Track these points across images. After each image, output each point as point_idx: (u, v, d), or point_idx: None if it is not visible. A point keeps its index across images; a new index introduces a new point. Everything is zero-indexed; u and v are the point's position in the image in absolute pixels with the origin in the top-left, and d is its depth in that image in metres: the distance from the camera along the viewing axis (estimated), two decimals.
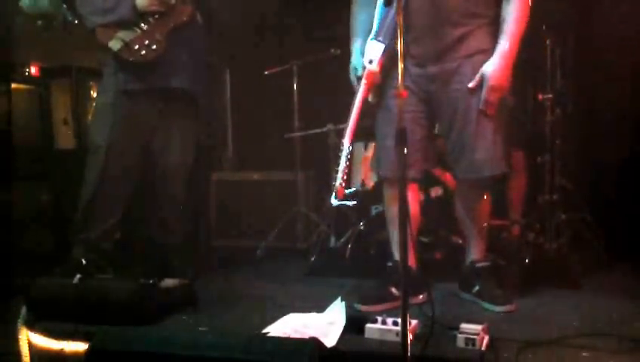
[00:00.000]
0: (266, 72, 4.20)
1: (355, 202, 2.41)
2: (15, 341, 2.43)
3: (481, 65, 2.58)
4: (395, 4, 2.31)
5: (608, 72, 3.91)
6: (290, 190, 4.22)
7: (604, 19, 3.93)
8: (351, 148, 2.40)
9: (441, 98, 2.64)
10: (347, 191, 2.37)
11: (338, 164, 2.38)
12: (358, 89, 2.59)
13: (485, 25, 2.61)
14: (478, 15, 2.58)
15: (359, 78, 2.59)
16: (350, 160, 2.40)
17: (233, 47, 4.51)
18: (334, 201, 2.36)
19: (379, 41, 2.50)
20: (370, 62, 2.53)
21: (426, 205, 3.49)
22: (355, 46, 2.72)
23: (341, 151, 2.40)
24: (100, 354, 1.99)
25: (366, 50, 2.55)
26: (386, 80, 2.66)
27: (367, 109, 2.80)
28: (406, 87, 2.59)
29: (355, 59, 2.68)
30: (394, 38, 2.49)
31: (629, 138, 3.79)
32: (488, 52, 2.60)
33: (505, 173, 2.71)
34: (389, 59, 2.59)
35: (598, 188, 3.81)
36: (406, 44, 2.57)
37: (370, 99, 2.67)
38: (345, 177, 2.36)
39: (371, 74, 2.55)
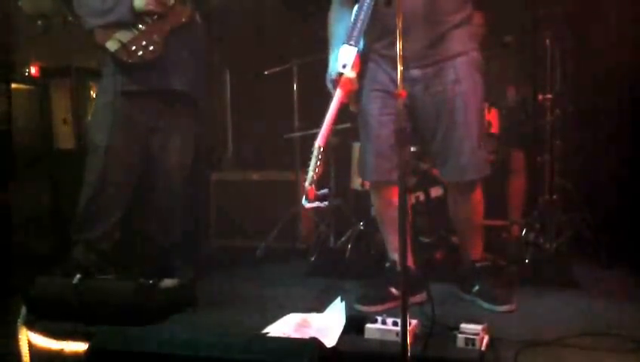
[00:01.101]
0: (265, 72, 4.20)
1: (326, 203, 2.37)
2: (15, 341, 2.43)
3: (463, 67, 2.58)
4: (364, 5, 2.33)
5: (608, 72, 3.91)
6: (290, 190, 4.22)
7: (604, 19, 3.93)
8: (322, 149, 2.37)
9: (423, 101, 2.62)
10: (318, 193, 2.33)
11: (308, 165, 2.35)
12: (334, 94, 2.52)
13: (463, 24, 2.60)
14: (456, 11, 2.58)
15: (335, 84, 2.55)
16: (322, 160, 2.36)
17: (233, 47, 4.51)
18: (305, 203, 2.34)
19: (350, 45, 2.47)
20: (344, 66, 2.47)
21: (426, 205, 3.50)
22: (332, 55, 2.67)
23: (312, 152, 2.37)
24: (100, 354, 1.99)
25: (339, 56, 2.49)
26: (361, 84, 2.65)
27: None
28: (387, 91, 2.59)
29: (331, 67, 2.63)
30: (366, 41, 2.49)
31: (629, 138, 3.79)
32: (469, 53, 2.61)
33: (487, 175, 2.71)
34: (362, 63, 2.57)
35: (598, 188, 3.81)
36: (386, 47, 2.58)
37: (351, 108, 2.65)
38: (316, 178, 2.34)
39: (347, 80, 2.49)
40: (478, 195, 2.75)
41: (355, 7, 2.46)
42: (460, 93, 2.57)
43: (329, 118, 2.42)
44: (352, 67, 2.46)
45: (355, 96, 2.65)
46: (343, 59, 2.48)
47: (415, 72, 2.59)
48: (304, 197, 2.32)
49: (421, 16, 2.52)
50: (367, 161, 2.75)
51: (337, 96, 2.48)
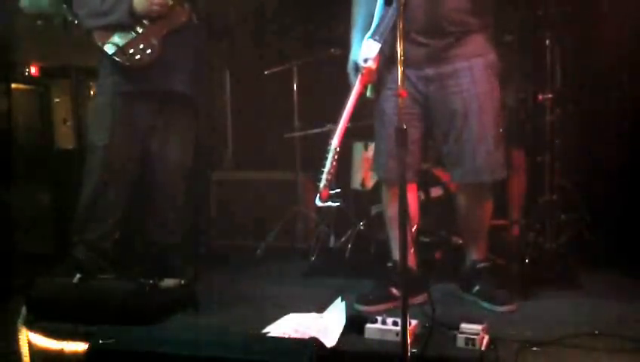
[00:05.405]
0: (265, 72, 4.20)
1: (338, 203, 2.39)
2: (15, 341, 2.43)
3: (479, 69, 2.58)
4: (394, 5, 2.32)
5: (608, 72, 3.91)
6: (290, 190, 4.22)
7: (604, 19, 3.92)
8: (338, 148, 2.38)
9: (438, 101, 2.63)
10: (332, 192, 2.34)
11: (324, 165, 2.36)
12: (354, 84, 2.56)
13: (479, 31, 2.62)
14: (471, 23, 2.59)
15: (356, 72, 2.58)
16: (337, 160, 2.37)
17: (233, 47, 4.51)
18: (318, 203, 2.35)
19: (375, 40, 2.50)
20: (366, 60, 2.53)
21: (426, 205, 3.50)
22: (354, 38, 2.72)
23: (328, 151, 2.38)
24: (99, 354, 1.99)
25: (362, 49, 2.55)
26: (381, 81, 2.66)
27: (366, 109, 2.80)
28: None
29: (353, 54, 2.68)
30: (390, 40, 2.49)
31: (629, 138, 3.79)
32: (486, 56, 2.61)
33: (503, 178, 2.72)
34: (383, 63, 2.59)
35: (598, 188, 3.81)
36: (404, 47, 2.59)
37: (368, 94, 2.65)
38: (330, 178, 2.35)
39: (368, 70, 2.54)
40: (489, 198, 2.76)
41: (380, 1, 2.47)
42: (476, 94, 2.58)
43: (346, 114, 2.44)
44: (374, 61, 2.51)
45: (373, 86, 2.66)
46: (366, 53, 2.52)
47: (430, 71, 2.60)
48: (317, 197, 2.33)
49: (437, 18, 2.53)
50: (380, 159, 2.77)
51: (355, 90, 2.52)
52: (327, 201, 2.33)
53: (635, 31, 3.74)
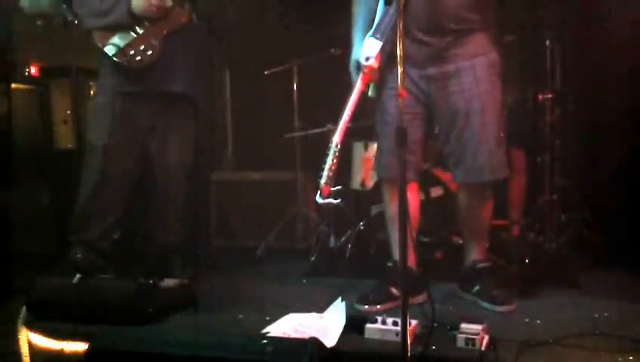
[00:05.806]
0: (265, 72, 4.20)
1: (339, 200, 2.38)
2: (15, 341, 2.43)
3: (482, 68, 2.58)
4: (394, 4, 2.33)
5: (608, 72, 3.91)
6: (290, 190, 4.22)
7: (604, 19, 3.92)
8: (339, 146, 2.38)
9: (440, 100, 2.64)
10: (333, 189, 2.34)
11: (325, 161, 2.36)
12: (356, 83, 2.57)
13: (481, 30, 2.62)
14: (472, 21, 2.59)
15: (358, 71, 2.59)
16: (338, 157, 2.37)
17: (233, 47, 4.51)
18: (319, 200, 2.35)
19: (376, 38, 2.50)
20: (367, 59, 2.54)
21: (426, 205, 3.50)
22: (355, 37, 2.72)
23: (329, 148, 2.38)
24: (99, 354, 2.00)
25: (363, 47, 2.56)
26: (383, 80, 2.66)
27: (366, 109, 2.80)
28: (404, 89, 2.60)
29: (355, 53, 2.68)
30: (391, 38, 2.50)
31: (629, 138, 3.79)
32: (488, 55, 2.61)
33: (505, 177, 2.72)
34: (386, 60, 2.60)
35: (598, 188, 3.81)
36: (406, 46, 2.59)
37: (370, 93, 2.66)
38: (331, 175, 2.34)
39: (370, 69, 2.55)
40: (489, 197, 2.76)
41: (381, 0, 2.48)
42: (478, 93, 2.58)
43: (348, 112, 2.44)
44: (375, 59, 2.52)
45: (376, 85, 2.67)
46: (367, 51, 2.54)
47: (432, 71, 2.61)
48: (318, 194, 2.33)
49: (438, 15, 2.53)
50: (382, 158, 2.77)
51: (357, 87, 2.52)
52: (328, 198, 2.33)
53: (635, 31, 3.74)
